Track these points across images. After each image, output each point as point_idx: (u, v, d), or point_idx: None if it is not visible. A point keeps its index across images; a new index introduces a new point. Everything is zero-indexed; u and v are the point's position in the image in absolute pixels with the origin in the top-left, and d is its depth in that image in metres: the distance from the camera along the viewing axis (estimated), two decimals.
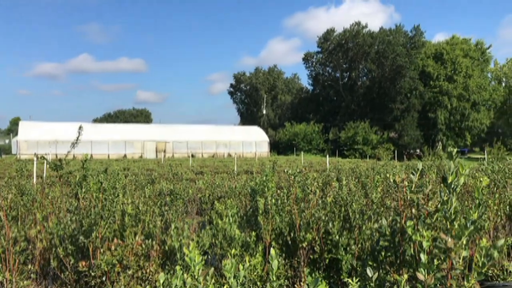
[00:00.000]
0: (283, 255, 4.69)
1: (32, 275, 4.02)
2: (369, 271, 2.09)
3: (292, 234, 4.83)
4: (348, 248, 4.30)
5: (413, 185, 2.44)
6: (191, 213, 9.41)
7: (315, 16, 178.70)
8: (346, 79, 70.23)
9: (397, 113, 60.78)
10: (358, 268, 2.54)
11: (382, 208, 4.86)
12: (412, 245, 2.20)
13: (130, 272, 3.99)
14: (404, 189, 2.48)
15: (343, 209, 4.81)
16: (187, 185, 10.01)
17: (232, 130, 59.91)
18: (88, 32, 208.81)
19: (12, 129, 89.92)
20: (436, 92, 59.79)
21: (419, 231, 2.09)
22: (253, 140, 56.65)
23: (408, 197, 2.47)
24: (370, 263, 2.47)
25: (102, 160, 33.21)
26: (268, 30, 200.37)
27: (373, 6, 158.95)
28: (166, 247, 4.39)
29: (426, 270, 1.93)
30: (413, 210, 2.28)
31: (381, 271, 2.35)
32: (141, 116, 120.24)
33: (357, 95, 66.59)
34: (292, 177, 5.14)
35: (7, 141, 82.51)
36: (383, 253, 2.39)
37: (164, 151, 49.03)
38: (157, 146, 50.49)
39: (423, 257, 1.99)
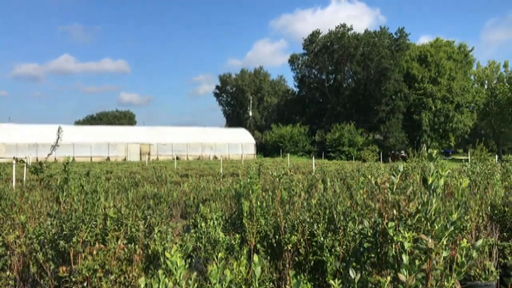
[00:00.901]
0: (268, 257, 4.68)
1: (10, 281, 3.93)
2: (351, 273, 2.08)
3: (277, 237, 4.82)
4: (333, 250, 4.30)
5: (395, 187, 2.45)
6: (175, 216, 9.34)
7: (302, 18, 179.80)
8: (332, 81, 70.69)
9: (382, 115, 61.39)
10: (342, 270, 2.54)
11: (366, 210, 4.88)
12: (394, 246, 2.21)
13: (112, 277, 3.93)
14: (386, 191, 2.48)
15: (328, 211, 4.81)
16: (172, 188, 9.94)
17: (218, 132, 59.78)
18: (71, 33, 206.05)
19: None
20: (421, 94, 60.56)
21: (401, 232, 2.10)
22: (239, 142, 56.62)
23: (390, 199, 2.48)
24: (353, 264, 2.47)
25: (84, 163, 32.82)
26: (254, 31, 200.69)
27: (359, 9, 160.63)
28: (150, 251, 4.33)
29: (407, 271, 1.94)
30: (395, 212, 2.29)
31: (364, 272, 2.36)
32: (125, 118, 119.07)
33: (342, 97, 67.06)
34: (277, 179, 5.13)
35: None
36: (365, 255, 2.39)
37: (149, 154, 48.68)
38: (141, 148, 50.08)
39: (405, 258, 1.99)
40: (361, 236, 2.48)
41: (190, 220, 7.59)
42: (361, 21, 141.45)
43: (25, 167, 10.96)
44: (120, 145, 48.93)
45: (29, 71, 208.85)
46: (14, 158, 10.38)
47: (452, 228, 1.91)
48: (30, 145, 42.88)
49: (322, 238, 4.39)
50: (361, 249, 2.44)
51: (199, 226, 4.97)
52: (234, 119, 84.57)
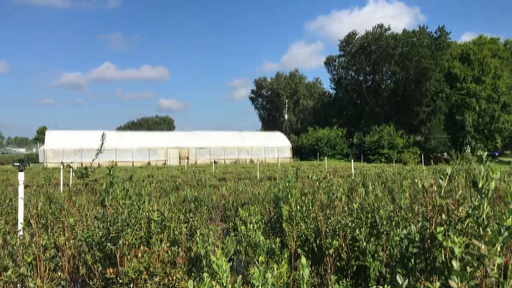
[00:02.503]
0: (309, 262, 4.65)
1: (62, 282, 4.08)
2: (399, 278, 2.04)
3: (318, 241, 4.78)
4: (375, 255, 4.23)
5: (442, 190, 2.38)
6: (215, 219, 9.44)
7: (338, 19, 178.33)
8: (370, 82, 69.54)
9: (423, 116, 59.75)
10: (388, 276, 2.49)
11: (410, 214, 4.76)
12: (443, 252, 2.15)
13: (156, 279, 4.01)
14: (433, 194, 2.42)
15: (370, 215, 4.73)
16: (211, 192, 10.05)
17: (254, 136, 59.96)
18: (111, 41, 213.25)
19: (39, 138, 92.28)
20: (463, 94, 58.50)
21: (450, 237, 2.04)
22: (275, 146, 56.56)
23: (438, 203, 2.41)
24: (399, 270, 2.42)
25: (126, 168, 33.70)
26: (290, 34, 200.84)
27: (397, 8, 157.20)
28: (192, 254, 4.40)
29: (458, 278, 1.88)
30: (443, 216, 2.23)
31: (411, 278, 2.30)
32: (164, 124, 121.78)
33: (381, 98, 65.82)
34: (317, 183, 5.09)
35: (34, 150, 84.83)
36: (412, 260, 2.34)
37: (187, 158, 49.46)
38: (180, 153, 50.95)
39: (455, 264, 1.93)
40: (408, 241, 2.43)
41: (229, 223, 7.66)
42: (400, 21, 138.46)
43: (71, 172, 11.39)
44: (160, 150, 50.00)
45: (73, 80, 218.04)
46: (61, 163, 10.82)
47: (507, 234, 1.84)
48: (75, 150, 44.55)
49: (364, 243, 4.32)
50: (408, 254, 2.38)
51: (239, 229, 5.01)
52: (269, 123, 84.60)
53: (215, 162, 41.57)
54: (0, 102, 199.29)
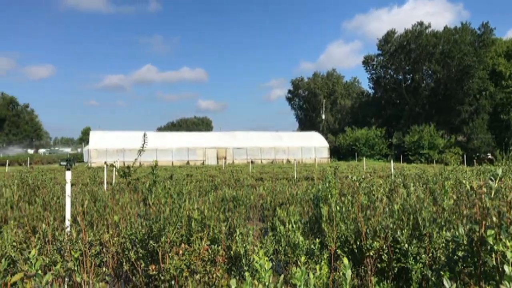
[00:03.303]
0: (351, 263, 4.59)
1: (106, 277, 4.21)
2: (446, 282, 1.98)
3: (358, 242, 4.72)
4: (418, 257, 4.13)
5: (493, 192, 2.29)
6: (252, 219, 9.47)
7: (376, 18, 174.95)
8: (409, 81, 67.86)
9: (465, 116, 57.68)
10: (433, 279, 2.42)
11: (453, 216, 4.61)
12: (493, 256, 2.06)
13: (197, 277, 4.07)
14: (482, 196, 2.33)
15: (411, 216, 4.62)
16: (248, 192, 10.10)
17: (291, 136, 59.73)
18: (152, 44, 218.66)
19: (84, 138, 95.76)
20: (509, 92, 56.02)
21: (502, 241, 1.96)
22: (312, 146, 56.13)
23: (487, 205, 2.32)
24: (445, 273, 2.34)
25: (166, 167, 34.38)
26: (327, 34, 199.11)
27: (439, 5, 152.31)
28: (231, 253, 4.44)
29: (511, 283, 1.80)
30: (494, 219, 2.14)
31: (458, 282, 2.23)
32: (203, 124, 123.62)
33: (421, 97, 64.08)
34: (357, 183, 5.01)
35: (79, 149, 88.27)
36: (460, 264, 2.26)
37: (225, 158, 49.91)
38: (218, 152, 51.49)
39: (507, 269, 1.86)
40: (455, 244, 2.35)
41: (267, 223, 7.66)
42: (442, 18, 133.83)
43: (114, 171, 11.74)
44: (199, 150, 50.73)
45: (116, 82, 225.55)
46: (105, 162, 11.16)
47: None
48: (117, 150, 45.92)
49: (406, 245, 4.22)
50: (455, 257, 2.30)
51: (278, 229, 5.01)
52: (306, 123, 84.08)
53: (252, 162, 41.74)
54: (48, 104, 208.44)
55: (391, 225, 4.55)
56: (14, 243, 4.17)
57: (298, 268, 2.18)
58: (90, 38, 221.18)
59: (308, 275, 2.25)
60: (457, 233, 2.36)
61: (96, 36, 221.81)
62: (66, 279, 4.06)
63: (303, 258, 2.41)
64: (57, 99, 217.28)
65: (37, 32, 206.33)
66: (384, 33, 69.23)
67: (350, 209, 5.03)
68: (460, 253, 2.31)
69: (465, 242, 2.24)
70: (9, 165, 31.24)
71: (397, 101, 69.18)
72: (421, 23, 63.78)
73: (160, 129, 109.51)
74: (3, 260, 3.19)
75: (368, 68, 73.56)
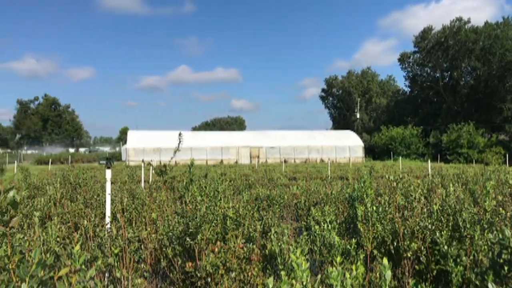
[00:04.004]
0: (390, 264, 4.52)
1: (145, 273, 4.32)
2: (491, 286, 1.92)
3: (395, 243, 4.63)
4: (458, 260, 4.02)
5: None
6: (286, 218, 9.45)
7: (413, 14, 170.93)
8: (447, 79, 65.91)
9: (508, 114, 55.46)
10: (478, 282, 2.35)
11: (496, 218, 4.46)
12: None
13: (233, 275, 4.11)
14: None
15: (451, 218, 4.50)
16: (282, 191, 10.09)
17: (325, 135, 59.20)
18: (186, 45, 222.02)
19: (122, 137, 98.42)
20: None
21: None
22: (346, 145, 55.45)
23: None
24: (488, 277, 2.27)
25: (201, 166, 34.81)
26: (361, 31, 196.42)
27: (478, 0, 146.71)
28: (266, 252, 4.46)
29: None
30: None
31: (504, 286, 2.15)
32: (236, 124, 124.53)
33: (459, 95, 62.11)
34: (394, 183, 4.93)
35: (117, 148, 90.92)
36: (506, 267, 2.19)
37: (258, 157, 50.04)
38: (251, 152, 51.69)
39: None
40: (500, 246, 2.28)
41: (301, 223, 7.64)
42: (482, 12, 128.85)
43: (150, 170, 11.99)
44: (232, 149, 51.12)
45: (153, 83, 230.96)
46: (142, 161, 11.43)
47: None
48: (154, 149, 46.96)
49: (445, 247, 4.12)
50: (500, 261, 2.23)
51: (313, 229, 4.99)
52: (340, 122, 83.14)
53: (285, 161, 41.66)
54: (89, 105, 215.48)
55: (430, 226, 4.45)
56: (58, 239, 4.33)
57: (334, 268, 2.17)
58: (128, 40, 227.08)
59: (345, 276, 2.23)
60: (502, 236, 2.28)
61: (133, 38, 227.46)
62: (106, 274, 4.19)
63: (339, 259, 2.39)
64: (96, 100, 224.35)
65: (77, 35, 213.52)
66: (421, 29, 67.62)
67: (387, 209, 4.95)
68: (505, 256, 2.24)
69: (511, 245, 2.16)
70: (51, 163, 32.46)
71: (434, 99, 67.35)
72: (459, 19, 61.82)
73: (194, 129, 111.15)
74: (48, 255, 3.33)
75: (404, 65, 71.99)
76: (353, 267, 2.25)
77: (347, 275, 2.13)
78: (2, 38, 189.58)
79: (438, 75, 66.55)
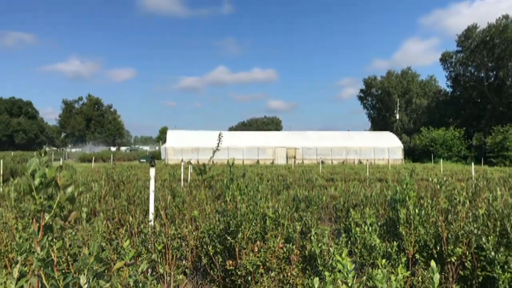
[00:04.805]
0: (429, 268, 4.42)
1: (186, 270, 4.41)
2: None
3: (438, 247, 4.53)
4: (506, 266, 3.88)
5: None
6: (324, 219, 9.38)
7: (456, 12, 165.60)
8: (492, 79, 63.37)
9: None
10: None
11: None
12: None
13: (272, 274, 4.14)
14: None
15: (498, 223, 4.35)
16: (320, 192, 10.03)
17: (363, 136, 58.25)
18: (224, 46, 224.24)
19: (161, 137, 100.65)
20: None
21: None
22: (385, 147, 54.34)
23: None
24: None
25: (237, 166, 35.08)
26: (402, 30, 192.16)
27: None
28: (306, 252, 4.46)
29: None
30: None
31: None
32: (272, 124, 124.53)
33: (505, 96, 59.59)
34: (438, 186, 4.82)
35: (157, 148, 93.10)
36: None
37: (294, 157, 49.86)
38: (287, 152, 51.58)
39: None
40: None
41: (340, 224, 7.57)
42: None
43: (189, 169, 12.21)
44: (269, 149, 51.20)
45: (191, 84, 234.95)
46: (181, 160, 11.64)
47: None
48: (192, 149, 47.78)
49: (492, 253, 3.99)
50: None
51: (353, 231, 4.94)
52: (379, 123, 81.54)
53: (322, 162, 41.31)
54: (130, 105, 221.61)
55: (475, 231, 4.32)
56: (104, 234, 4.50)
57: (379, 270, 2.15)
58: (168, 41, 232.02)
59: (390, 278, 2.21)
60: None
61: (173, 39, 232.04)
62: (149, 270, 4.32)
63: (383, 261, 2.37)
64: (137, 100, 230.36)
65: (120, 38, 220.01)
66: (465, 28, 65.37)
67: (430, 213, 4.84)
68: None
69: None
70: (94, 161, 33.60)
71: (478, 100, 64.93)
72: (506, 16, 59.31)
73: (231, 129, 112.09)
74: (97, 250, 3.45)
75: (446, 65, 69.82)
76: (398, 269, 2.23)
77: (392, 277, 2.11)
78: (49, 40, 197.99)
79: (482, 75, 64.12)
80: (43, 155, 1.84)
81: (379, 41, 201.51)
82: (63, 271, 1.70)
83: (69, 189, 1.75)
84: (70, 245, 1.86)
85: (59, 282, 1.63)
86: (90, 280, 1.64)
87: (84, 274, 1.61)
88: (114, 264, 2.74)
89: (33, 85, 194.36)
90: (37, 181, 1.70)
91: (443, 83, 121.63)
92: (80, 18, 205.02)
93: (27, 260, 1.85)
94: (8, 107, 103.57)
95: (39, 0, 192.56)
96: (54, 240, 1.75)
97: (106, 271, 2.13)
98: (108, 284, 1.70)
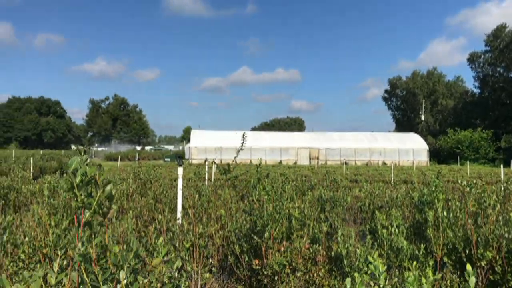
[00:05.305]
0: (457, 272, 4.35)
1: (213, 268, 4.47)
2: None
3: (467, 251, 4.45)
4: None
5: None
6: (348, 221, 9.32)
7: (485, 12, 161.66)
8: None
9: None
10: None
11: None
12: None
13: (298, 275, 4.15)
14: None
15: None
16: (345, 193, 9.96)
17: (387, 137, 57.49)
18: (248, 47, 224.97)
19: (185, 136, 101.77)
20: None
21: None
22: (410, 148, 53.51)
23: None
24: None
25: (260, 166, 35.12)
26: (428, 30, 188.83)
27: None
28: (332, 253, 4.45)
29: None
30: None
31: None
32: (295, 124, 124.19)
33: None
34: (467, 188, 4.74)
35: (180, 147, 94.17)
36: None
37: (317, 158, 49.61)
38: (310, 153, 51.37)
39: None
40: None
41: (365, 226, 7.51)
42: None
43: (213, 168, 12.31)
44: (291, 150, 51.11)
45: (215, 84, 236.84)
46: (205, 160, 11.76)
47: None
48: (215, 148, 48.16)
49: None
50: None
51: (379, 232, 4.91)
52: (404, 124, 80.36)
53: (345, 163, 40.97)
54: (154, 105, 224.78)
55: (506, 235, 4.23)
56: (133, 231, 4.59)
57: (410, 272, 2.14)
58: (192, 42, 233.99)
59: (420, 281, 2.20)
60: None
61: (197, 40, 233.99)
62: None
63: (414, 263, 2.36)
64: (162, 101, 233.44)
65: (145, 38, 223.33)
66: (493, 28, 63.81)
67: (458, 215, 4.77)
68: None
69: None
70: (120, 160, 34.21)
71: (507, 101, 63.22)
72: None
73: (254, 129, 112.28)
74: (126, 246, 3.53)
75: (473, 66, 68.35)
76: (430, 272, 2.21)
77: (423, 280, 2.10)
78: (77, 41, 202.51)
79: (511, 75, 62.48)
80: (82, 154, 1.91)
81: (404, 42, 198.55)
82: (102, 266, 1.77)
83: (108, 187, 1.81)
84: (108, 241, 1.93)
85: (98, 277, 1.70)
86: (129, 276, 1.70)
87: (123, 270, 1.67)
88: (144, 261, 2.80)
89: (61, 85, 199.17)
90: (78, 179, 1.77)
91: (470, 83, 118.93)
92: (106, 19, 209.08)
93: (66, 255, 1.93)
94: (37, 106, 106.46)
95: (67, 2, 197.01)
96: (93, 236, 1.82)
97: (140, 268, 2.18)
98: (146, 280, 1.76)
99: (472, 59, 68.10)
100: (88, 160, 1.97)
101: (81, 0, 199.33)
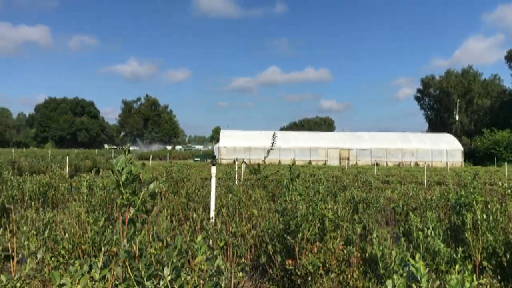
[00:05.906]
0: (498, 277, 4.22)
1: (246, 267, 4.49)
2: None
3: (508, 255, 4.31)
4: None
5: None
6: (380, 222, 9.18)
7: None
8: None
9: None
10: None
11: None
12: None
13: (332, 276, 4.12)
14: None
15: None
16: (377, 194, 9.82)
17: (420, 137, 56.25)
18: (277, 46, 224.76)
19: (214, 136, 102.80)
20: None
21: None
22: (443, 149, 52.20)
23: None
24: None
25: (289, 166, 35.04)
26: (463, 28, 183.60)
27: None
28: (366, 255, 4.39)
29: None
30: None
31: None
32: (324, 124, 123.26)
33: None
34: (509, 190, 4.59)
35: (210, 147, 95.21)
36: None
37: (348, 159, 49.06)
38: (340, 153, 50.86)
39: None
40: None
41: (399, 228, 7.38)
42: None
43: (242, 168, 12.37)
44: (321, 150, 50.75)
45: (243, 84, 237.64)
46: (235, 160, 11.83)
47: None
48: (244, 148, 48.38)
49: None
50: None
51: (414, 234, 4.81)
52: (437, 124, 78.44)
53: (376, 164, 40.37)
54: (185, 105, 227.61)
55: None
56: (168, 230, 4.67)
57: (453, 276, 2.10)
58: (221, 42, 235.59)
59: (463, 285, 2.15)
60: None
61: (226, 40, 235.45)
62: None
63: (457, 267, 2.31)
64: (192, 101, 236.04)
65: (175, 39, 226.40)
66: None
67: (499, 218, 4.63)
68: None
69: None
70: (151, 159, 34.85)
71: None
72: None
73: (283, 129, 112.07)
74: (160, 244, 3.58)
75: (511, 63, 66.01)
76: (474, 276, 2.16)
77: (467, 284, 2.05)
78: (110, 43, 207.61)
79: None
80: (127, 153, 1.96)
81: (438, 40, 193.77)
82: (145, 263, 1.81)
83: (152, 185, 1.85)
84: (153, 238, 1.97)
85: (142, 273, 1.74)
86: (173, 273, 1.73)
87: (167, 267, 1.71)
88: (187, 259, 2.85)
89: (95, 86, 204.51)
90: (123, 177, 1.82)
91: (508, 82, 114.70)
92: (137, 21, 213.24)
93: (110, 251, 1.98)
94: (72, 107, 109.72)
95: (100, 4, 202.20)
96: (136, 233, 1.86)
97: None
98: (189, 277, 1.79)
99: (510, 57, 65.87)
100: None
101: (114, 3, 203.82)
